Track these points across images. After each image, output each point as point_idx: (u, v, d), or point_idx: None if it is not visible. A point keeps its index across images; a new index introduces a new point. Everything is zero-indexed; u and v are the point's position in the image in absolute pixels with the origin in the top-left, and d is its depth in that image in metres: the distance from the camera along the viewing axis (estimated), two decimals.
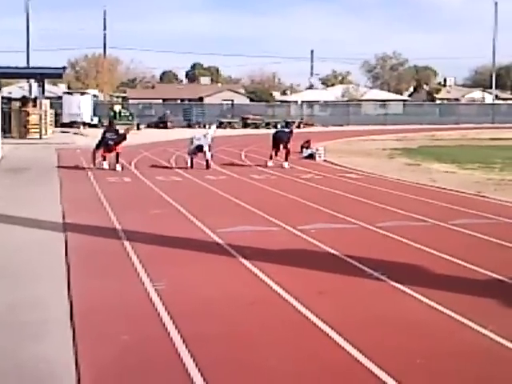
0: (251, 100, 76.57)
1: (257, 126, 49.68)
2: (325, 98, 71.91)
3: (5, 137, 26.21)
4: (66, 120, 45.41)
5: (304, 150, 22.62)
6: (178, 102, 69.78)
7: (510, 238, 8.11)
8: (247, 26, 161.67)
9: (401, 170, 17.39)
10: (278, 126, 50.06)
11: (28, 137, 30.74)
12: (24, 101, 33.65)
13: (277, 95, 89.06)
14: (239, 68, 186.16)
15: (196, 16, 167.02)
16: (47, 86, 47.36)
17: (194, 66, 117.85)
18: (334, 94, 78.15)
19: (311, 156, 21.44)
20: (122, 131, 18.32)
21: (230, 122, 50.24)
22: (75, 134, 37.11)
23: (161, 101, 68.19)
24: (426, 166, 19.06)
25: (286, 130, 19.78)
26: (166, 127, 47.31)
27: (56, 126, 40.07)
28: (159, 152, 23.88)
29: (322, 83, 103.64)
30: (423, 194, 12.66)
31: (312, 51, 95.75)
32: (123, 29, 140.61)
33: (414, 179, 15.04)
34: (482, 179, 15.19)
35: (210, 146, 17.96)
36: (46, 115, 32.38)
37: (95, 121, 46.63)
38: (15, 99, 35.50)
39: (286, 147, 18.56)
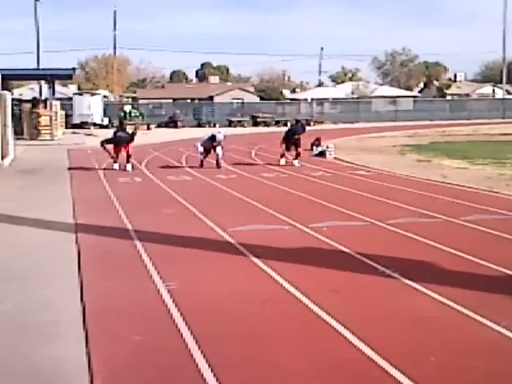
0: (261, 98, 76.57)
1: (267, 125, 49.64)
2: (334, 96, 71.76)
3: (17, 138, 26.29)
4: (76, 121, 45.56)
5: (314, 147, 22.61)
6: (188, 101, 69.78)
7: None
8: (256, 25, 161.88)
9: (412, 167, 17.33)
10: (288, 124, 50.40)
11: (39, 138, 30.83)
12: (34, 102, 33.80)
13: (287, 93, 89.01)
14: (248, 67, 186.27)
15: (205, 15, 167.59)
16: (57, 88, 47.63)
17: (203, 65, 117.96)
18: (344, 91, 77.96)
19: (322, 154, 21.41)
20: (130, 131, 18.32)
21: (240, 121, 50.22)
22: (86, 134, 37.17)
23: (171, 100, 68.22)
24: (437, 162, 19.00)
25: (298, 128, 19.68)
26: (176, 127, 47.39)
27: (67, 127, 40.25)
28: (170, 152, 23.92)
29: (332, 80, 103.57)
30: (434, 190, 12.61)
31: (321, 48, 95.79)
32: (132, 29, 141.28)
33: (425, 175, 14.98)
34: (494, 175, 15.12)
35: (221, 146, 17.94)
36: (56, 116, 32.50)
37: (106, 121, 46.74)
38: (26, 101, 35.69)
39: (296, 146, 18.53)
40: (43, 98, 37.02)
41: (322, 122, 51.96)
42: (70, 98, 49.65)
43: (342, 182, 14.11)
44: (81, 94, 50.34)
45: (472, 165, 17.74)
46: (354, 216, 9.63)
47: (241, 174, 16.29)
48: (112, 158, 17.40)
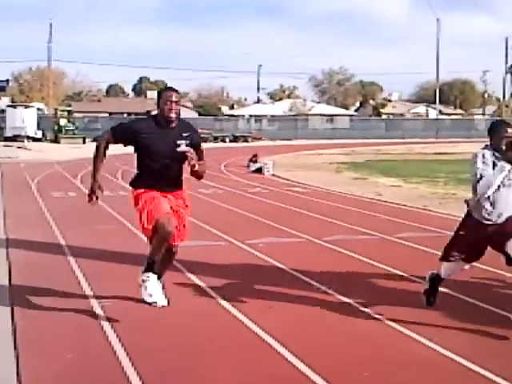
0: (199, 114, 76.48)
1: (204, 140, 49.46)
2: (272, 113, 72.30)
3: None
4: (9, 134, 44.86)
5: (251, 164, 22.70)
6: (125, 115, 69.17)
7: None
8: (195, 40, 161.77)
9: (348, 184, 17.56)
10: (227, 140, 50.48)
11: None
12: None
13: (225, 109, 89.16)
14: (187, 82, 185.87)
15: (144, 30, 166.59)
16: None
17: (140, 80, 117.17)
18: (282, 108, 78.64)
19: (259, 170, 21.50)
20: None
21: None
22: (19, 148, 36.46)
23: (107, 114, 67.55)
24: (372, 179, 19.31)
25: None
26: None
27: None
28: (105, 166, 23.53)
29: (270, 98, 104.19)
30: (369, 207, 12.79)
31: (259, 66, 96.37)
32: (70, 42, 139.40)
33: (361, 193, 15.20)
34: (427, 193, 15.44)
35: None
36: None
37: (39, 134, 46.02)
38: None
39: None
40: None
41: (259, 139, 52.29)
42: (3, 111, 48.65)
43: (279, 199, 14.18)
44: (14, 107, 49.54)
45: (406, 183, 18.08)
46: (290, 232, 9.68)
47: None
48: None
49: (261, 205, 13.40)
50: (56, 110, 51.93)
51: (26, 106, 50.57)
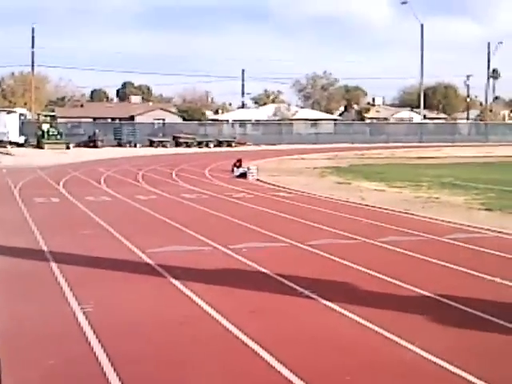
0: (183, 119, 76.43)
1: (188, 145, 49.60)
2: (257, 117, 72.43)
3: None
4: None
5: (235, 169, 22.70)
6: (109, 120, 69.03)
7: (434, 253, 8.29)
8: (179, 45, 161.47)
9: (331, 189, 17.59)
10: (211, 145, 50.44)
11: None
12: None
13: (209, 114, 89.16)
14: (171, 87, 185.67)
15: (127, 34, 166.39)
16: None
17: (124, 85, 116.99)
18: (266, 113, 78.82)
19: (243, 175, 21.50)
20: None
21: (161, 141, 50.02)
22: (1, 153, 36.28)
23: (90, 120, 67.35)
24: (356, 184, 19.36)
25: None
26: (95, 146, 46.82)
27: None
28: (89, 171, 23.55)
29: (255, 102, 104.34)
30: (353, 211, 12.82)
31: (243, 70, 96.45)
32: (53, 47, 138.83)
33: (345, 197, 15.23)
34: (410, 197, 15.51)
35: None
36: None
37: (22, 140, 45.83)
38: None
39: None
40: None
41: (244, 144, 52.29)
42: None
43: (263, 204, 14.18)
44: None
45: (390, 187, 18.15)
46: (274, 237, 9.68)
47: (161, 194, 16.17)
48: None
49: (245, 210, 13.39)
50: (39, 114, 51.70)
51: (9, 112, 50.34)
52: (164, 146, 48.57)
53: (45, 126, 47.25)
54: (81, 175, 22.09)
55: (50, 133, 46.26)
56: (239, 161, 23.48)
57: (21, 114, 54.53)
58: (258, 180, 20.61)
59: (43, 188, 17.33)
